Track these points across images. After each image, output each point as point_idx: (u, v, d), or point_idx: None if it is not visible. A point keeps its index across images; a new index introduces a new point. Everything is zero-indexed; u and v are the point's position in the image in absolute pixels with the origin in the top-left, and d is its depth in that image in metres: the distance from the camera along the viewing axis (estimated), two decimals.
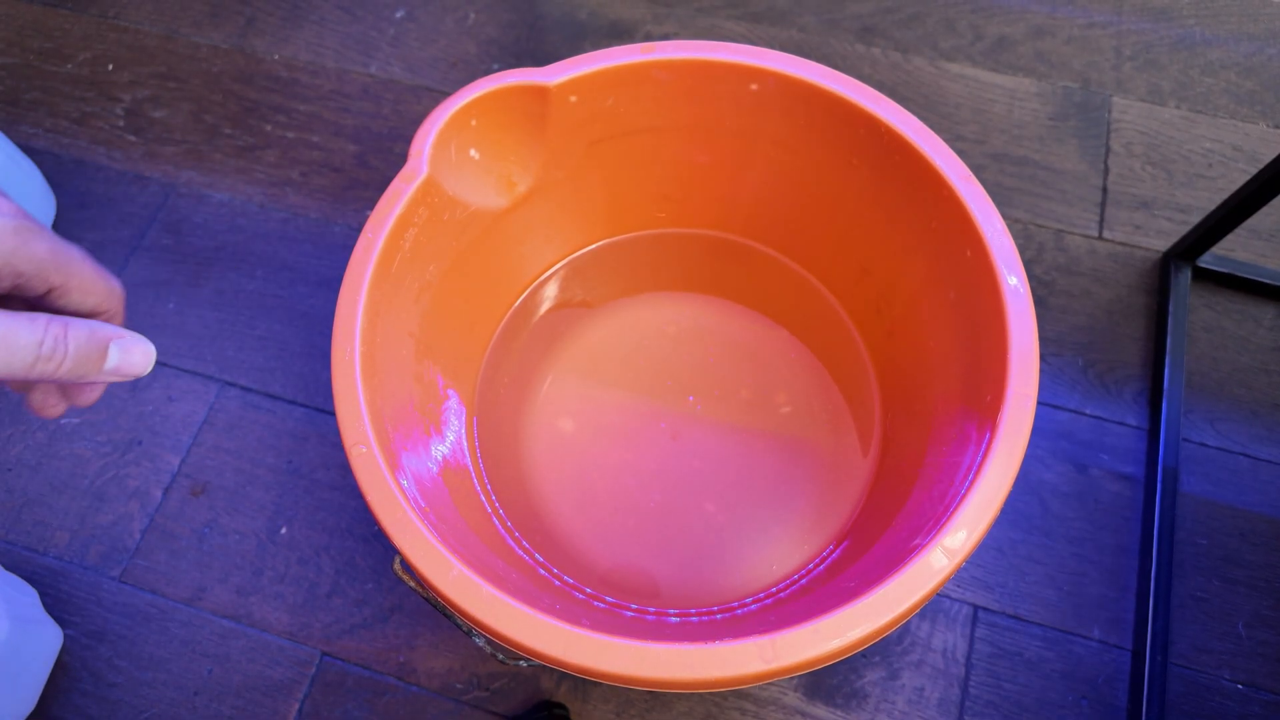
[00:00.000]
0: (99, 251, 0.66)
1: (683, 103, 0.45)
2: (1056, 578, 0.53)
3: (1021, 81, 0.71)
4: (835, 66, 0.44)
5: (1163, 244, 0.64)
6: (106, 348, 0.24)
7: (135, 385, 0.61)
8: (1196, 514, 0.55)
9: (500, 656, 0.39)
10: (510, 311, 0.53)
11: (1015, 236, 0.64)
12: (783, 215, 0.51)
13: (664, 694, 0.51)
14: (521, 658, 0.39)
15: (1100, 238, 0.65)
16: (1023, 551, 0.54)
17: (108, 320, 0.25)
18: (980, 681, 0.51)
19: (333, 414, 0.59)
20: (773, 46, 0.72)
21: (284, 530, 0.56)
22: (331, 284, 0.65)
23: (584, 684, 0.51)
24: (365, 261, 0.38)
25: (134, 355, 0.25)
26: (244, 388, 0.61)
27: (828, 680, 0.51)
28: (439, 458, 0.43)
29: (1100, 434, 0.57)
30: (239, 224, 0.67)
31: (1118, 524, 0.55)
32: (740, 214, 0.53)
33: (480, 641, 0.38)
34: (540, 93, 0.42)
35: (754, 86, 0.43)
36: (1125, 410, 0.58)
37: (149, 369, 0.25)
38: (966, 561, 0.51)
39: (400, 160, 0.69)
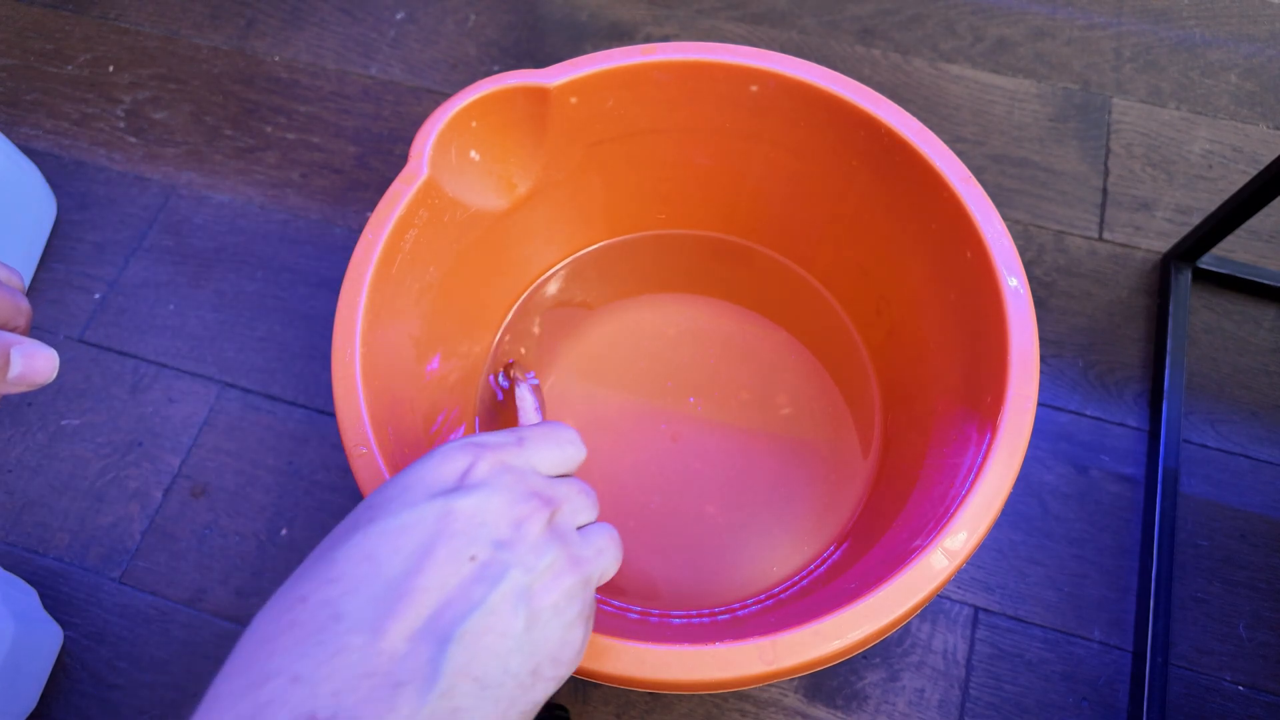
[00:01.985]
0: (99, 253, 0.66)
1: (683, 104, 0.45)
2: (1057, 579, 0.53)
3: (1022, 83, 0.71)
4: (835, 68, 0.44)
5: (1163, 245, 0.64)
6: (8, 355, 0.23)
7: (135, 387, 0.61)
8: (1197, 515, 0.55)
9: None
10: (511, 312, 0.53)
11: (1015, 238, 0.65)
12: (782, 216, 0.51)
13: (664, 695, 0.51)
14: None
15: (1100, 239, 0.65)
16: (1023, 553, 0.54)
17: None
18: (980, 683, 0.51)
19: (333, 416, 0.59)
20: (773, 48, 0.72)
21: (284, 532, 0.56)
22: (332, 285, 0.65)
23: (584, 685, 0.51)
24: (366, 263, 0.38)
25: (37, 362, 0.24)
26: (244, 389, 0.61)
27: (828, 682, 0.51)
28: None
29: (1100, 435, 0.57)
30: (239, 225, 0.67)
31: (1118, 525, 0.55)
32: (740, 215, 0.53)
33: None
34: (540, 94, 0.42)
35: (754, 88, 0.43)
36: (1126, 411, 0.58)
37: (53, 376, 0.24)
38: (967, 563, 0.51)
39: (400, 162, 0.69)
